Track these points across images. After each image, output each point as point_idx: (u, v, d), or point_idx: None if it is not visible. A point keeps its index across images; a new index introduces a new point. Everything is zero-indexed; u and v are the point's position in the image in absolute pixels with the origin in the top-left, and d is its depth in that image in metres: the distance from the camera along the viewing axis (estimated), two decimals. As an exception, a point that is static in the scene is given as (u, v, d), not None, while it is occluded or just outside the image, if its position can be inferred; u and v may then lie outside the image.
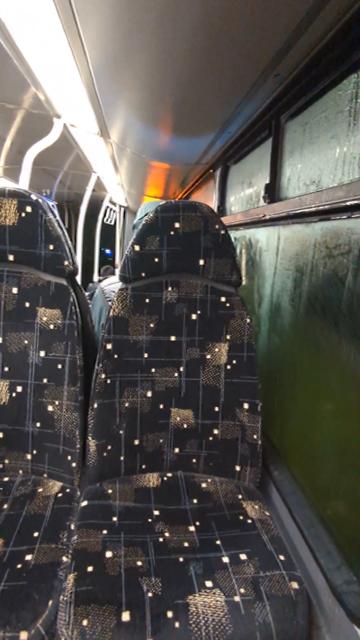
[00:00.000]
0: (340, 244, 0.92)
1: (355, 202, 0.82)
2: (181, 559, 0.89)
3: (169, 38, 0.95)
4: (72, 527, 0.98)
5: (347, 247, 0.89)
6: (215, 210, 2.27)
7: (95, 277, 5.92)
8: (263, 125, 1.46)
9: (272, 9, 0.77)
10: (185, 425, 1.19)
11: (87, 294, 4.31)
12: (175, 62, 1.08)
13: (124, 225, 5.92)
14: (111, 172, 3.45)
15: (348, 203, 0.84)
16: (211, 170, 2.34)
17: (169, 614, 0.77)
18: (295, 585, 0.83)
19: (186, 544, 0.94)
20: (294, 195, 1.25)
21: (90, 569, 0.85)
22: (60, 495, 1.08)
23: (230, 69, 1.05)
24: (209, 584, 0.83)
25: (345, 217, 0.89)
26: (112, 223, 7.15)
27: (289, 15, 0.79)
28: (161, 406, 1.18)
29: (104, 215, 5.99)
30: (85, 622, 0.75)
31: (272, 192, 1.37)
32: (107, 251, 7.94)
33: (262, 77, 1.06)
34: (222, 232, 1.14)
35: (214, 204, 2.29)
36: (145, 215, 1.76)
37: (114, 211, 6.80)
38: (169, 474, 1.18)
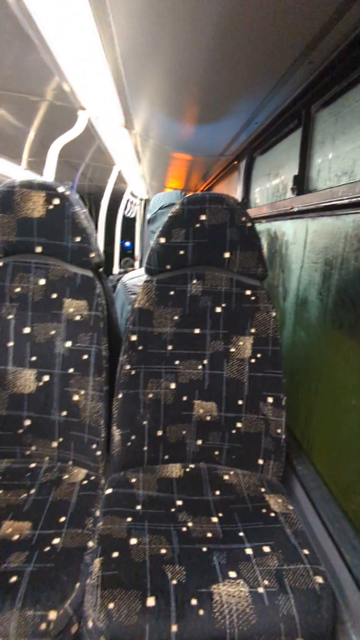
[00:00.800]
0: (374, 236, 0.90)
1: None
2: (205, 549, 0.90)
3: (199, 25, 0.94)
4: (97, 513, 1.00)
5: (381, 240, 0.87)
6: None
7: (116, 270, 5.96)
8: (293, 115, 1.42)
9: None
10: (208, 418, 1.19)
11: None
12: (205, 50, 1.06)
13: (144, 218, 5.92)
14: (133, 164, 3.44)
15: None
16: (236, 162, 2.31)
17: (194, 602, 0.78)
18: (319, 579, 0.83)
19: (209, 534, 0.95)
20: (324, 187, 1.22)
21: (115, 554, 0.86)
22: (85, 482, 1.10)
23: (261, 57, 1.03)
24: (232, 574, 0.84)
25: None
26: (133, 216, 7.17)
27: (320, 5, 0.77)
28: (184, 398, 1.19)
29: (125, 208, 6.01)
30: (111, 605, 0.76)
31: (301, 184, 1.34)
32: (127, 244, 7.99)
33: (294, 65, 1.03)
34: (249, 224, 1.13)
35: (237, 196, 2.27)
36: (160, 208, 1.75)
37: (135, 204, 6.80)
38: (192, 465, 1.19)
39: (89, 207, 6.90)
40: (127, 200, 5.61)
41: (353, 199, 0.95)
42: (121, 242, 6.51)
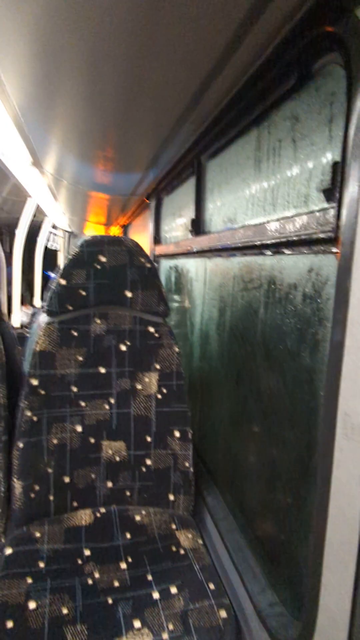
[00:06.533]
0: (253, 278, 1.00)
1: (262, 242, 0.89)
2: (110, 601, 0.87)
3: (90, 87, 0.99)
4: None
5: (259, 281, 0.96)
6: (151, 238, 2.33)
7: (37, 301, 5.74)
8: (188, 163, 1.54)
9: (178, 69, 0.84)
10: (117, 458, 1.18)
11: (27, 320, 4.18)
12: (98, 109, 1.13)
13: (68, 249, 5.86)
14: (50, 199, 3.43)
15: (256, 242, 0.92)
16: (147, 200, 2.42)
17: None
18: (223, 614, 0.85)
19: (116, 584, 0.92)
20: (215, 230, 1.33)
21: (10, 624, 0.80)
22: None
23: (148, 117, 1.12)
24: (137, 624, 0.82)
25: (255, 253, 0.97)
26: (58, 248, 7.09)
27: (194, 74, 0.87)
28: (92, 440, 1.17)
29: (47, 239, 5.90)
30: None
31: (197, 226, 1.45)
32: (52, 275, 7.83)
33: (178, 124, 1.13)
34: (148, 265, 1.18)
35: (150, 232, 2.36)
36: None
37: (57, 235, 6.73)
38: (102, 510, 1.15)
39: (9, 239, 6.67)
40: (50, 233, 5.52)
41: (234, 244, 1.04)
42: (45, 273, 6.36)
